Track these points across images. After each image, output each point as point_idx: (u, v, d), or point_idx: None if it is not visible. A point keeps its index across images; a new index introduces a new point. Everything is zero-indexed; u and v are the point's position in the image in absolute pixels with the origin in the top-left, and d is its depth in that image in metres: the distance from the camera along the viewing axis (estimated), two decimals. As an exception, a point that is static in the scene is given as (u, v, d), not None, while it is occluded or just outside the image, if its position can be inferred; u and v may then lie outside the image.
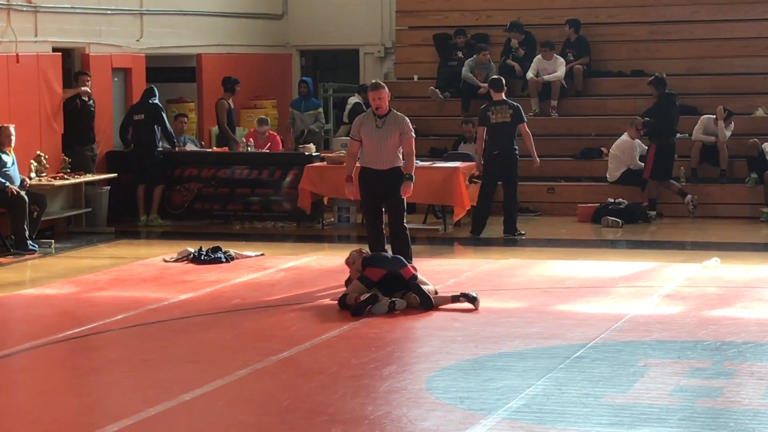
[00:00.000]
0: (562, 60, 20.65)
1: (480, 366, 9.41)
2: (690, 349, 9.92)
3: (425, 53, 21.91)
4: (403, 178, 12.57)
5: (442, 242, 16.49)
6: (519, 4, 22.00)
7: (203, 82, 20.91)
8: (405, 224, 12.83)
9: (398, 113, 12.87)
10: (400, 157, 12.70)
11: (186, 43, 20.51)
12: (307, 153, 18.15)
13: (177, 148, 18.60)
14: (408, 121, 12.81)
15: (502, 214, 16.79)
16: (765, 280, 13.20)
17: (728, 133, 18.66)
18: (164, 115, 18.25)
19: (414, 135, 12.80)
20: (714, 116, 18.81)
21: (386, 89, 12.73)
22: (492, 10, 22.14)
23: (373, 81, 13.12)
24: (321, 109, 21.10)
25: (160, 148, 18.19)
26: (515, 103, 16.87)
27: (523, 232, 16.71)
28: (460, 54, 21.34)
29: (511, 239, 16.48)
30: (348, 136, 19.23)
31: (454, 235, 16.90)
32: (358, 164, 12.91)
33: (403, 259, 12.03)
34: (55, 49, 17.35)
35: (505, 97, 16.76)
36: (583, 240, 16.74)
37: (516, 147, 16.62)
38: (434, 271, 13.55)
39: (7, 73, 16.27)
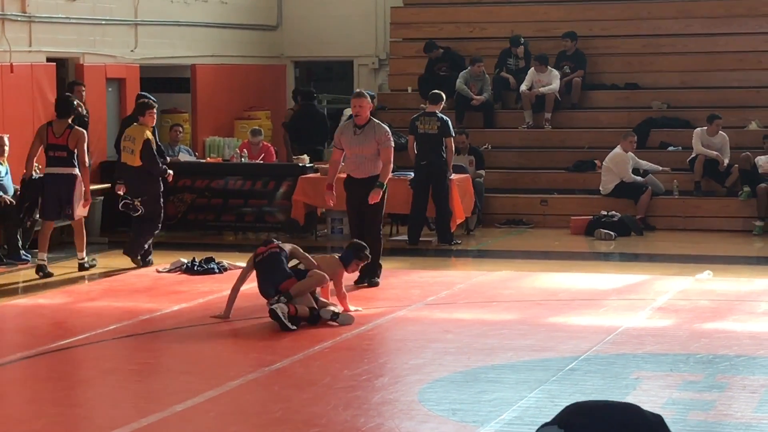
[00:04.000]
0: (556, 73, 20.66)
1: (473, 378, 9.40)
2: (682, 362, 9.92)
3: (419, 65, 21.91)
4: (375, 185, 12.83)
5: (436, 254, 16.49)
6: (514, 16, 22.03)
7: (197, 92, 20.90)
8: (379, 233, 13.15)
9: (379, 123, 13.13)
10: (380, 166, 12.95)
11: (180, 53, 20.51)
12: (300, 164, 18.16)
13: (170, 159, 18.56)
14: (387, 131, 13.08)
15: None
16: (757, 294, 13.21)
17: (726, 159, 18.63)
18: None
19: (393, 145, 13.01)
20: (705, 128, 18.86)
21: (368, 99, 13.12)
22: (486, 23, 22.17)
23: (357, 90, 13.39)
24: None
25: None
26: (445, 117, 16.93)
27: (459, 241, 16.85)
28: (444, 68, 21.27)
29: (447, 248, 16.64)
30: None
31: (447, 247, 16.87)
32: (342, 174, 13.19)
33: (289, 273, 11.49)
34: (49, 59, 17.35)
35: (438, 112, 16.84)
36: (576, 252, 16.73)
37: (444, 158, 16.69)
38: (427, 282, 13.56)
39: (1, 83, 16.27)
